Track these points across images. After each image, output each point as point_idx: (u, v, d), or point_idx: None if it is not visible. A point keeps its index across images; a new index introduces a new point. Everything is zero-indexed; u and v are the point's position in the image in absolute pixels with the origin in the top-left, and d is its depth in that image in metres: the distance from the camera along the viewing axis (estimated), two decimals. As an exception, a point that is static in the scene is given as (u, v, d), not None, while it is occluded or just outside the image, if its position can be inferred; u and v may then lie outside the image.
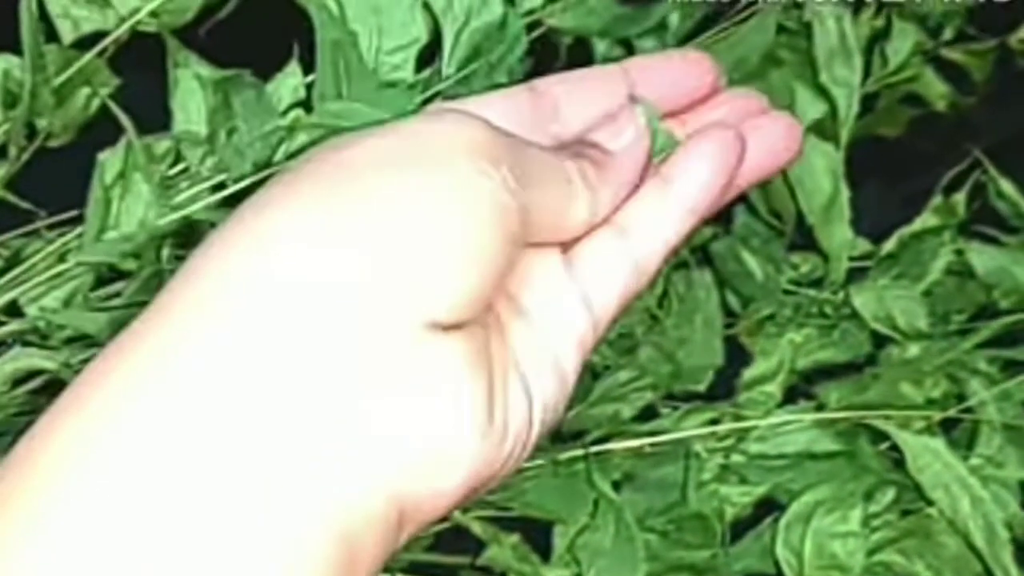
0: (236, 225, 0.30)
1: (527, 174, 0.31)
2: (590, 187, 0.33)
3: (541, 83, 0.36)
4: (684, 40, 0.69)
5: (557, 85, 0.36)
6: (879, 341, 0.72)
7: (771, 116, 0.35)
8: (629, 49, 0.70)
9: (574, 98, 0.35)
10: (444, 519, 0.66)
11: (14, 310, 0.61)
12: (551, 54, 0.66)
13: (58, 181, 0.61)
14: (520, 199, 0.30)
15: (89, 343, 0.60)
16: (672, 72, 0.35)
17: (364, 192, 0.29)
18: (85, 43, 0.62)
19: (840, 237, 0.71)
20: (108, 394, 0.27)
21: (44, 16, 0.61)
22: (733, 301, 0.74)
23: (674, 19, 0.68)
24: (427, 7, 0.61)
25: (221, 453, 0.26)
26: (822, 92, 0.69)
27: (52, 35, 0.61)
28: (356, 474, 0.28)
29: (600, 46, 0.70)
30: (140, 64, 0.63)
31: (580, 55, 0.70)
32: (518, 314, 0.33)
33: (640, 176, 0.33)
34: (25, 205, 0.62)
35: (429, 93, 0.61)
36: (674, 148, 0.34)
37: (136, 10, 0.61)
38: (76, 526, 0.25)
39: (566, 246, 0.34)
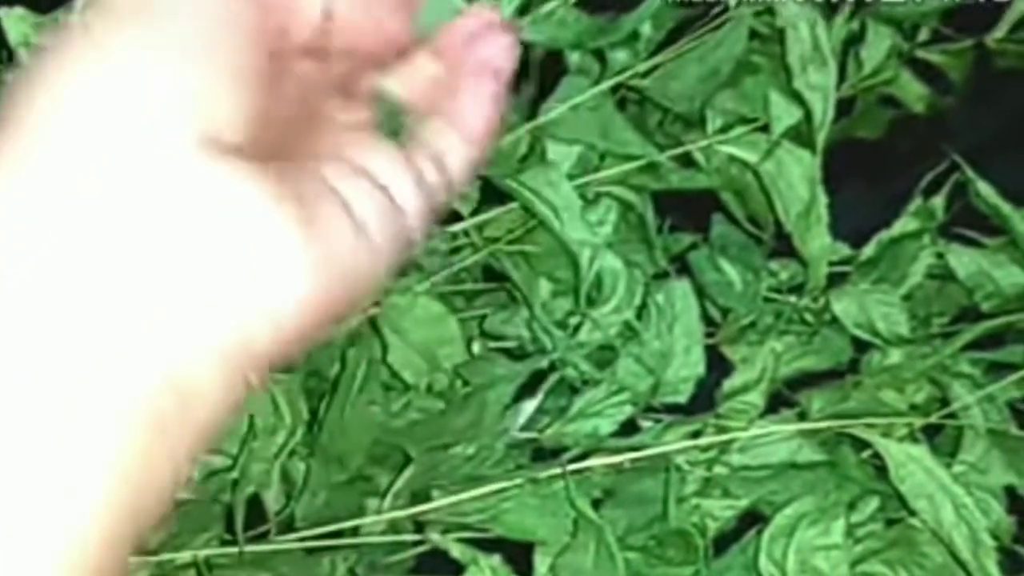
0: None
1: None
2: None
3: None
4: (656, 50, 0.68)
5: None
6: (861, 347, 0.72)
7: (491, 37, 0.35)
8: (602, 60, 0.70)
9: None
10: (422, 542, 0.66)
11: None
12: (522, 68, 0.65)
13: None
14: None
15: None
16: None
17: (117, 26, 0.29)
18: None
19: (819, 243, 0.71)
20: None
21: (4, 44, 0.60)
22: (713, 310, 0.73)
23: (645, 29, 0.68)
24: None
25: (43, 315, 0.27)
26: (797, 98, 0.69)
27: (12, 63, 0.60)
28: (182, 320, 0.28)
29: (572, 58, 0.69)
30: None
31: (552, 68, 0.69)
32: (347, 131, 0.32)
33: None
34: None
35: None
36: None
37: (98, 35, 0.60)
38: None
39: None
